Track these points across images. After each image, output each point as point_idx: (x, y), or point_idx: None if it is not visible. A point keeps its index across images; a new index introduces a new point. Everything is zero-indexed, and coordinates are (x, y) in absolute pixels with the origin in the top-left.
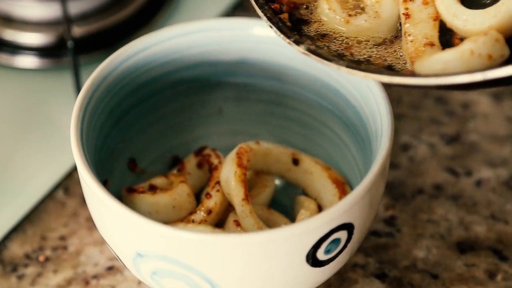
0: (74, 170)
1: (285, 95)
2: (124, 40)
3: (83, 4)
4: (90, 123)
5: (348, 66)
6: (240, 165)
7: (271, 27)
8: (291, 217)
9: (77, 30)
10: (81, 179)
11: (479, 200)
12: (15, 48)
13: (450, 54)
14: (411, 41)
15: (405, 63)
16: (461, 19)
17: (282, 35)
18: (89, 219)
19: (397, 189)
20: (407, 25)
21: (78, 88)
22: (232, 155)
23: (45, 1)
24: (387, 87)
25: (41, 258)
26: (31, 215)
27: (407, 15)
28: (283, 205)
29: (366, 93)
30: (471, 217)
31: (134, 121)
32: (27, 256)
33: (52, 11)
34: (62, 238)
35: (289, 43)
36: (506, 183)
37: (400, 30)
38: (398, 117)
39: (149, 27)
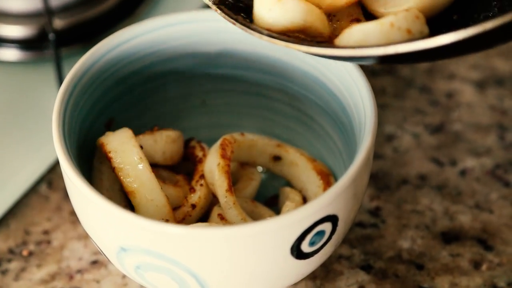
0: (57, 164)
1: (269, 86)
2: (106, 32)
3: None
4: (72, 116)
5: (269, 35)
6: (223, 156)
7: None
8: (276, 209)
9: (59, 22)
10: (64, 173)
11: (463, 189)
12: None
13: (370, 25)
14: (338, 21)
15: None
16: (381, 3)
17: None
18: (73, 213)
19: (381, 179)
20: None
21: (60, 81)
22: (216, 147)
23: None
24: (371, 77)
25: (25, 253)
26: (15, 209)
27: None
28: (267, 197)
29: (350, 84)
30: (455, 207)
31: (117, 113)
32: (11, 251)
33: (33, 3)
34: (46, 232)
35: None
36: (490, 172)
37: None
38: (382, 107)
39: (131, 19)
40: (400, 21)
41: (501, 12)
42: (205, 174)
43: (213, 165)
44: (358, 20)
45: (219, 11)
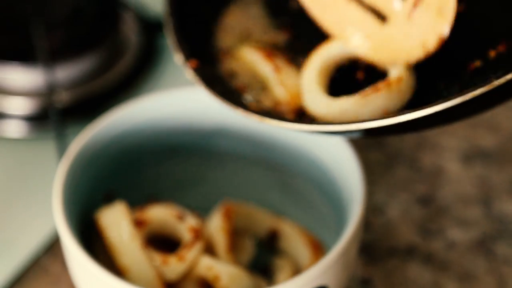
0: (56, 241)
1: (263, 160)
2: (109, 106)
3: (72, 70)
4: (74, 192)
5: (245, 110)
6: (226, 217)
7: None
8: (268, 279)
9: (66, 96)
10: (64, 247)
11: (451, 260)
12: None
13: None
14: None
15: None
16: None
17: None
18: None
19: (371, 250)
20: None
21: (62, 156)
22: (218, 210)
23: (31, 68)
24: (359, 150)
25: None
26: (16, 284)
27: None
28: (259, 267)
29: (339, 157)
30: (444, 279)
31: (117, 185)
32: None
33: (37, 79)
34: None
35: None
36: (478, 244)
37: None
38: (370, 180)
39: (133, 92)
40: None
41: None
42: (205, 237)
43: (214, 227)
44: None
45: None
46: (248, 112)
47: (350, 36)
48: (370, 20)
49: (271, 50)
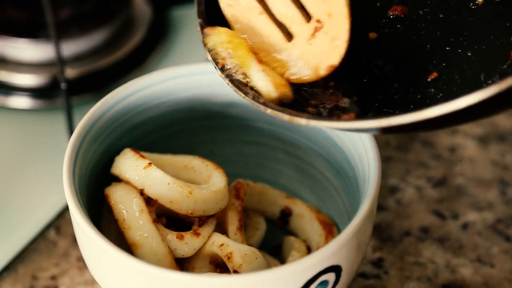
0: (66, 210)
1: (275, 137)
2: (116, 82)
3: (77, 46)
4: (83, 164)
5: (272, 108)
6: (237, 197)
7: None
8: (279, 258)
9: (70, 72)
10: (73, 220)
11: (465, 243)
12: (9, 89)
13: None
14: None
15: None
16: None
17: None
18: (80, 259)
19: (384, 231)
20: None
21: (71, 129)
22: (230, 189)
23: (39, 43)
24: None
25: None
26: (23, 254)
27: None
28: (271, 246)
29: (354, 137)
30: (457, 260)
31: None
32: None
33: (45, 53)
34: (53, 277)
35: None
36: (491, 227)
37: None
38: (385, 160)
39: (141, 70)
40: None
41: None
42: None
43: (226, 206)
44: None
45: (230, 84)
46: (256, 101)
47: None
48: (277, 36)
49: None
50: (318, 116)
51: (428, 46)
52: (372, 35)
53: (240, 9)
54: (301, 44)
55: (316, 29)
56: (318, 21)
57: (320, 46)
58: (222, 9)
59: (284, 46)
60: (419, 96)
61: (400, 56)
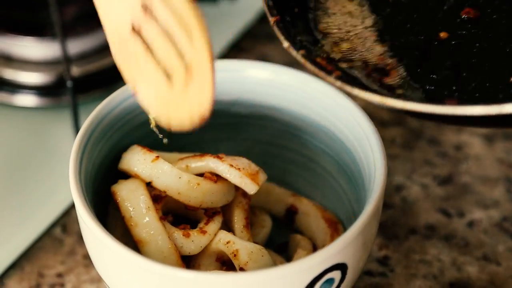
0: (72, 208)
1: (281, 136)
2: (122, 80)
3: (82, 44)
4: (89, 162)
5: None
6: (244, 195)
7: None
8: (285, 256)
9: (76, 70)
10: (79, 218)
11: (471, 241)
12: (15, 87)
13: None
14: None
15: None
16: None
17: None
18: (86, 257)
19: (390, 229)
20: None
21: (77, 127)
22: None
23: (45, 41)
24: (380, 128)
25: None
26: (29, 252)
27: None
28: (277, 243)
29: (360, 135)
30: (463, 258)
31: None
32: None
33: (51, 51)
34: (59, 275)
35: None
36: (497, 225)
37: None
38: (391, 158)
39: None
40: None
41: None
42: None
43: (232, 204)
44: None
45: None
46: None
47: (140, 89)
48: (160, 79)
49: None
50: (417, 99)
51: (507, 50)
52: (444, 34)
53: (129, 55)
54: (178, 91)
55: (188, 77)
56: (188, 68)
57: (193, 94)
58: (113, 56)
59: (166, 90)
60: (501, 96)
61: (476, 56)
